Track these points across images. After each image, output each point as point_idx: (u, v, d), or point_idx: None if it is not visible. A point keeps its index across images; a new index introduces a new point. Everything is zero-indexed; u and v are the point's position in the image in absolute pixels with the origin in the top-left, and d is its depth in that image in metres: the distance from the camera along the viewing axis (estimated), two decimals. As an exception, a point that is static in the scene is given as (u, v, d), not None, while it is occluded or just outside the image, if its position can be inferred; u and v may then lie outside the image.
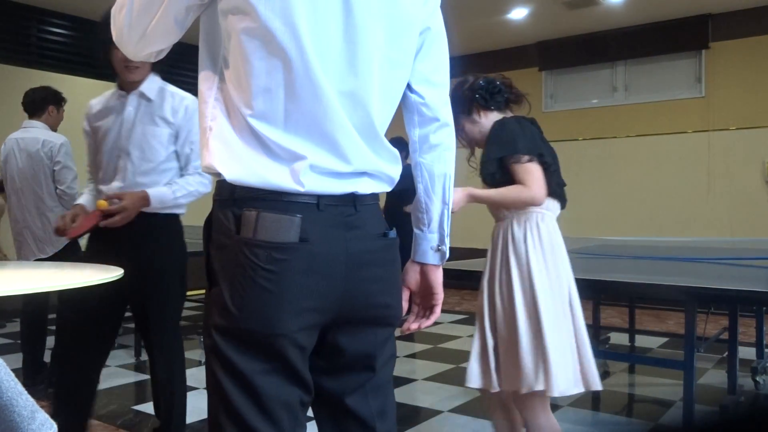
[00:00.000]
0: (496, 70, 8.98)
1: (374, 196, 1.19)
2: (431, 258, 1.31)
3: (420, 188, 1.30)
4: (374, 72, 1.12)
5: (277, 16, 1.02)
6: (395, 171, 1.22)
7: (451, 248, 1.32)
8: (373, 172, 1.17)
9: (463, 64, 8.22)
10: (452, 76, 1.34)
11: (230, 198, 1.09)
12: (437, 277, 1.33)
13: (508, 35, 7.43)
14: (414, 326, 1.34)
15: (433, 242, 1.31)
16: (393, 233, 1.22)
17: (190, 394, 3.58)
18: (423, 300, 1.35)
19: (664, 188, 6.93)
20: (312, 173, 1.08)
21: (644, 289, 2.69)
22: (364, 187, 1.15)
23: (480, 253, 7.25)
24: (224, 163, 1.09)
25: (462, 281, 7.02)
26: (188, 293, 5.19)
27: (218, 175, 1.10)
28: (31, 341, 3.82)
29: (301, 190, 1.07)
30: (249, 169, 1.07)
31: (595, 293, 4.44)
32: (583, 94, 7.56)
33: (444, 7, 1.27)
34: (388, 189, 1.22)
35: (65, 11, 6.51)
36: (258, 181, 1.07)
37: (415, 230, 1.32)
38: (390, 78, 1.17)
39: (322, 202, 1.09)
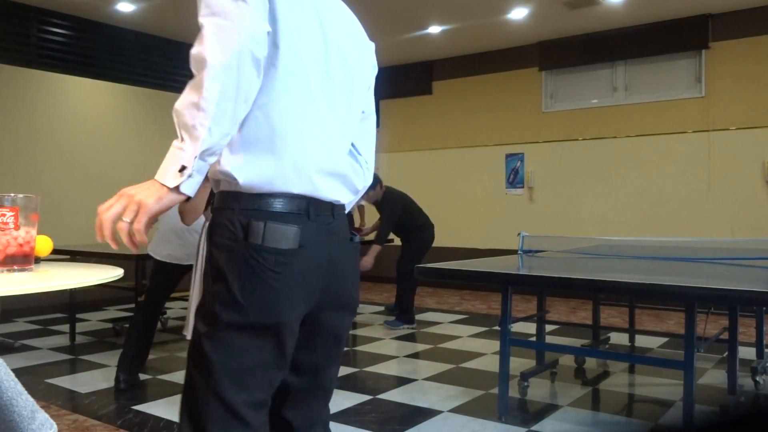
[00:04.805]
0: (496, 70, 9.03)
1: (345, 206, 1.43)
2: None
3: None
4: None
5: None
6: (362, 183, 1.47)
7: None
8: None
9: (463, 64, 8.24)
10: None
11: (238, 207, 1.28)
12: None
13: (508, 35, 7.43)
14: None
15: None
16: (357, 238, 1.46)
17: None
18: None
19: (664, 188, 6.93)
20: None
21: (644, 289, 2.68)
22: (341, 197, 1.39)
23: (480, 253, 7.25)
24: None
25: (462, 281, 7.04)
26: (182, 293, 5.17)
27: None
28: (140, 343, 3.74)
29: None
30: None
31: (595, 293, 4.45)
32: (583, 94, 7.56)
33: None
34: (354, 198, 1.45)
35: (65, 11, 6.51)
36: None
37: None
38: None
39: (311, 213, 1.29)
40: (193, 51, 1.14)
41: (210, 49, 1.12)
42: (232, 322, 1.23)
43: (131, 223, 1.14)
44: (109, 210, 1.15)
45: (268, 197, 1.25)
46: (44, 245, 1.93)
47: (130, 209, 1.14)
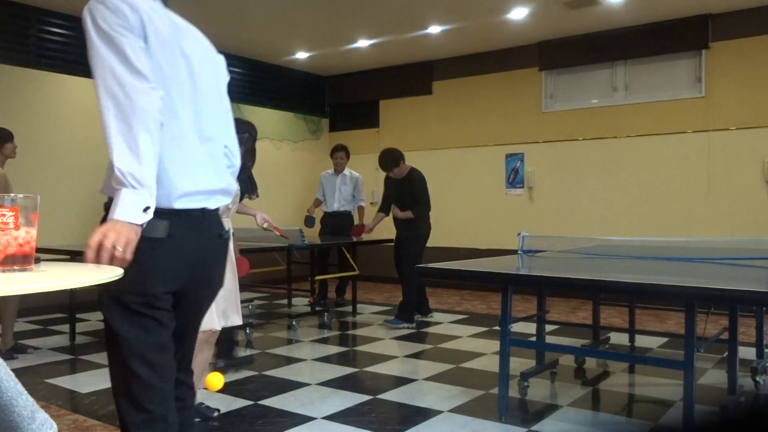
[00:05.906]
0: (496, 70, 9.01)
1: (217, 209, 1.75)
2: None
3: None
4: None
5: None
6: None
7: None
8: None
9: (463, 64, 8.23)
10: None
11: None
12: None
13: (508, 35, 7.42)
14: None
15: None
16: (226, 234, 1.80)
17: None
18: None
19: (664, 188, 6.93)
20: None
21: (644, 289, 2.69)
22: (212, 203, 1.71)
23: (480, 253, 7.24)
24: None
25: (462, 281, 7.03)
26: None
27: None
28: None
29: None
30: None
31: (595, 293, 4.45)
32: (583, 94, 7.56)
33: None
34: (227, 199, 1.78)
35: (65, 11, 6.50)
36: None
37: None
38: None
39: (183, 214, 1.61)
40: (112, 123, 1.50)
41: (137, 131, 1.45)
42: (118, 290, 1.56)
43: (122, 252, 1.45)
44: (106, 241, 1.42)
45: None
46: (216, 381, 2.75)
47: (121, 242, 1.43)
